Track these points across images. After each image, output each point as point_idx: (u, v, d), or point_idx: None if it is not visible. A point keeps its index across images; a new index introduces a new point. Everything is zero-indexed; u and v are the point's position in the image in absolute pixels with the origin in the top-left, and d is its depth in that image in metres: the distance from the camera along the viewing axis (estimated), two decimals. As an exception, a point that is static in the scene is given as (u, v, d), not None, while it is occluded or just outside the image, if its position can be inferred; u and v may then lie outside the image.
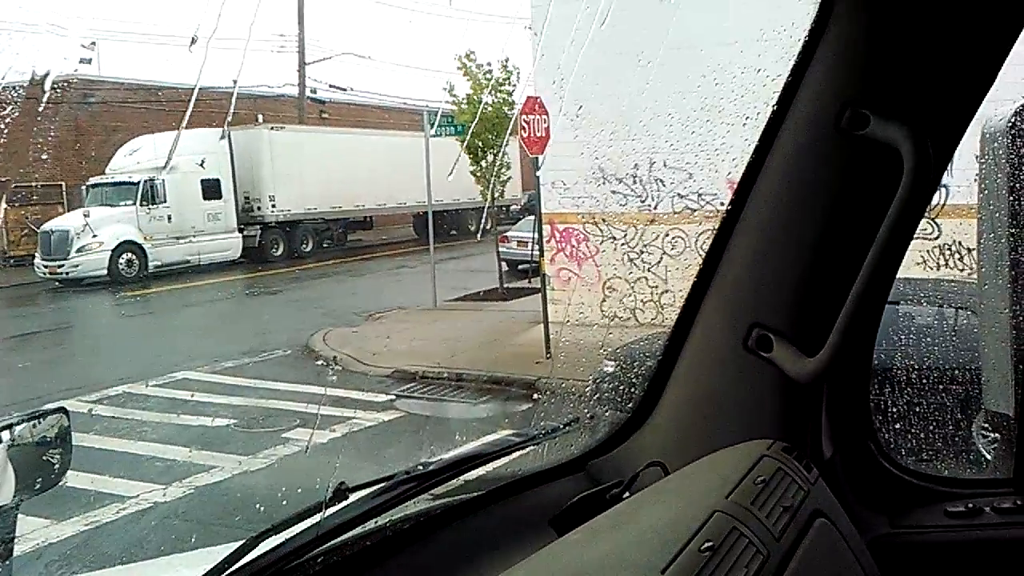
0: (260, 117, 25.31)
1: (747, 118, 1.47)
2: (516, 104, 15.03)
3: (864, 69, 1.25)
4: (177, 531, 6.28)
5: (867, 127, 1.23)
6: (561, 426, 1.47)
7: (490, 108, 15.97)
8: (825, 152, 1.30)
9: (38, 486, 2.07)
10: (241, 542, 0.98)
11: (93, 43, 24.29)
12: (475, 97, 15.75)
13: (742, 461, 1.26)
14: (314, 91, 30.83)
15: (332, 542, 1.05)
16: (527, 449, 1.43)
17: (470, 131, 15.51)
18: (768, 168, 1.34)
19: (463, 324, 14.14)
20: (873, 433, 1.57)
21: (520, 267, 17.87)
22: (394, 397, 10.11)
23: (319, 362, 11.90)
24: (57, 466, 2.12)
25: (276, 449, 7.91)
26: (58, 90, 21.77)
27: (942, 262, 10.06)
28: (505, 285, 16.74)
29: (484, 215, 18.65)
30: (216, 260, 21.27)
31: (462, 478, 1.26)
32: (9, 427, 2.05)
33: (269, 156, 23.84)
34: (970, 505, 1.50)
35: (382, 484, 1.14)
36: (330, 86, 30.96)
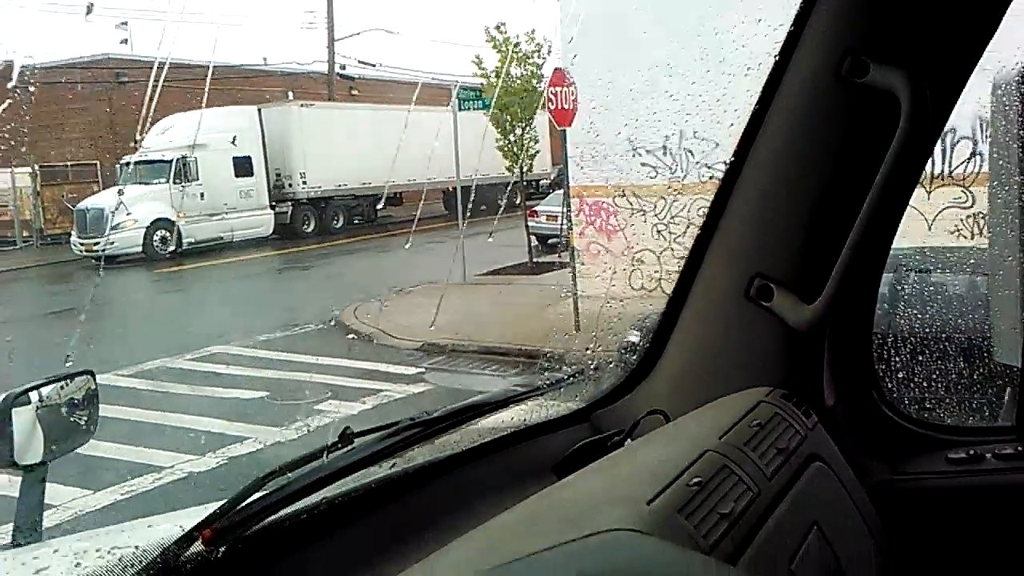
0: (290, 94, 25.43)
1: (748, 68, 1.47)
2: (544, 77, 14.95)
3: (865, 16, 1.25)
4: (212, 500, 6.41)
5: (867, 75, 1.23)
6: (565, 378, 1.49)
7: (518, 81, 15.91)
8: (826, 101, 1.30)
9: (66, 446, 2.13)
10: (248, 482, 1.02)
11: (124, 23, 24.49)
12: (503, 70, 15.70)
13: (740, 407, 1.27)
14: (343, 67, 30.87)
15: (336, 484, 1.08)
16: (531, 400, 1.45)
17: (498, 104, 15.48)
18: (770, 119, 1.34)
19: (492, 298, 14.18)
20: (876, 382, 1.58)
21: (550, 241, 17.85)
22: (424, 370, 10.18)
23: (349, 336, 12.01)
24: (84, 427, 2.18)
25: (309, 420, 8.01)
26: (92, 70, 22.03)
27: (976, 231, 9.89)
28: (535, 259, 16.74)
29: (513, 190, 18.59)
30: (248, 236, 21.47)
31: (467, 427, 1.29)
32: (38, 388, 2.10)
33: (299, 133, 23.95)
34: (972, 452, 1.51)
35: (387, 430, 1.16)
36: (359, 62, 30.99)
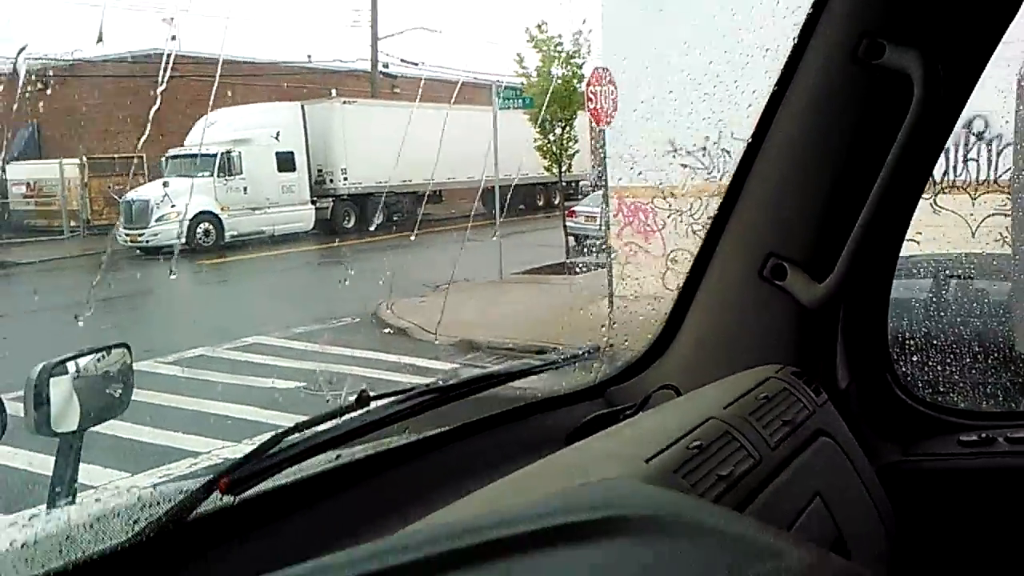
0: (334, 91, 25.65)
1: (767, 49, 1.48)
2: (586, 77, 14.94)
3: None
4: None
5: (883, 56, 1.24)
6: (581, 353, 1.51)
7: (559, 81, 15.92)
8: (842, 83, 1.31)
9: (100, 416, 2.19)
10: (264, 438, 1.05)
11: (171, 18, 24.91)
12: (544, 70, 15.71)
13: (750, 382, 1.29)
14: (386, 66, 31.08)
15: (350, 444, 1.12)
16: (546, 373, 1.47)
17: (538, 104, 15.49)
18: (788, 101, 1.36)
19: (528, 297, 14.20)
20: (890, 365, 1.58)
21: (588, 242, 17.83)
22: (459, 366, 10.23)
23: (385, 330, 12.11)
24: (118, 399, 2.24)
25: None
26: (140, 65, 22.42)
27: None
28: (572, 260, 16.74)
29: (552, 190, 18.59)
30: (289, 231, 21.71)
31: (481, 395, 1.31)
32: (75, 359, 2.16)
33: (341, 130, 24.16)
34: (984, 435, 1.50)
35: (403, 394, 1.19)
36: (402, 60, 31.17)
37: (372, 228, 24.23)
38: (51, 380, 2.09)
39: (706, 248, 1.46)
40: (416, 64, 31.32)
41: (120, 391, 2.26)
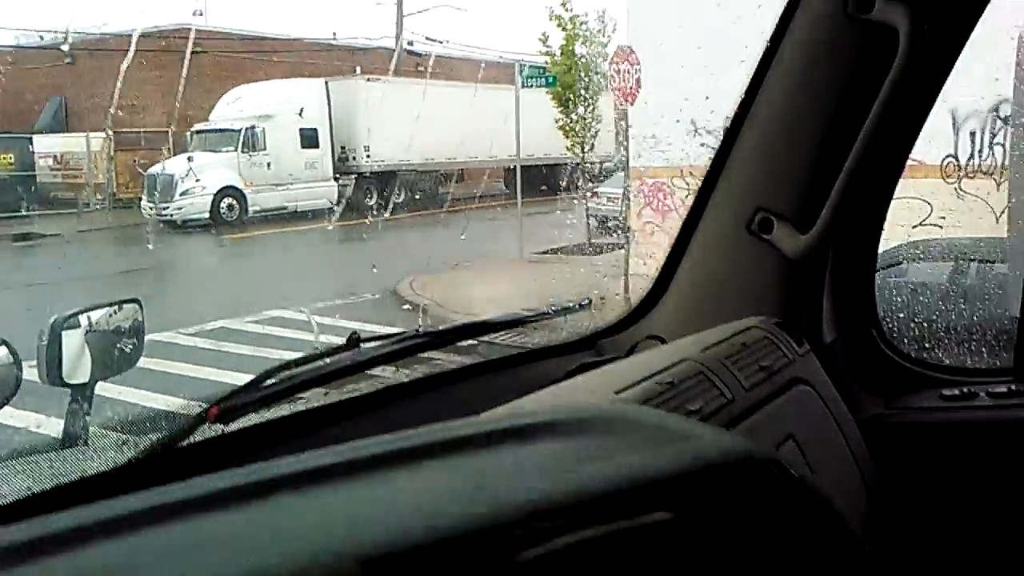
0: (358, 69, 25.65)
1: (759, 5, 1.49)
2: (610, 56, 14.84)
3: None
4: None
5: (872, 10, 1.25)
6: (572, 305, 1.54)
7: (583, 60, 15.84)
8: (832, 38, 1.32)
9: (111, 370, 2.24)
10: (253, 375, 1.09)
11: (199, -7, 24.99)
12: (568, 48, 15.63)
13: (730, 331, 1.31)
14: (411, 43, 31.01)
15: (339, 383, 1.15)
16: (538, 324, 1.49)
17: (561, 83, 15.43)
18: (780, 56, 1.37)
19: (548, 276, 14.19)
20: (877, 321, 1.59)
21: (609, 223, 17.78)
22: (476, 343, 10.27)
23: (405, 306, 12.17)
24: (129, 353, 2.29)
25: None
26: (166, 39, 22.54)
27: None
28: (593, 240, 16.70)
29: (575, 170, 18.53)
30: (311, 207, 21.79)
31: (472, 341, 1.34)
32: (87, 312, 2.21)
33: (365, 107, 24.17)
34: (966, 390, 1.52)
35: (393, 338, 1.22)
36: (426, 39, 31.09)
37: (394, 206, 24.31)
38: (63, 333, 2.14)
39: (698, 203, 1.48)
40: (441, 42, 31.27)
41: (131, 346, 2.31)
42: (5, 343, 2.07)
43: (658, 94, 11.45)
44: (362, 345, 1.18)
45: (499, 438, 0.73)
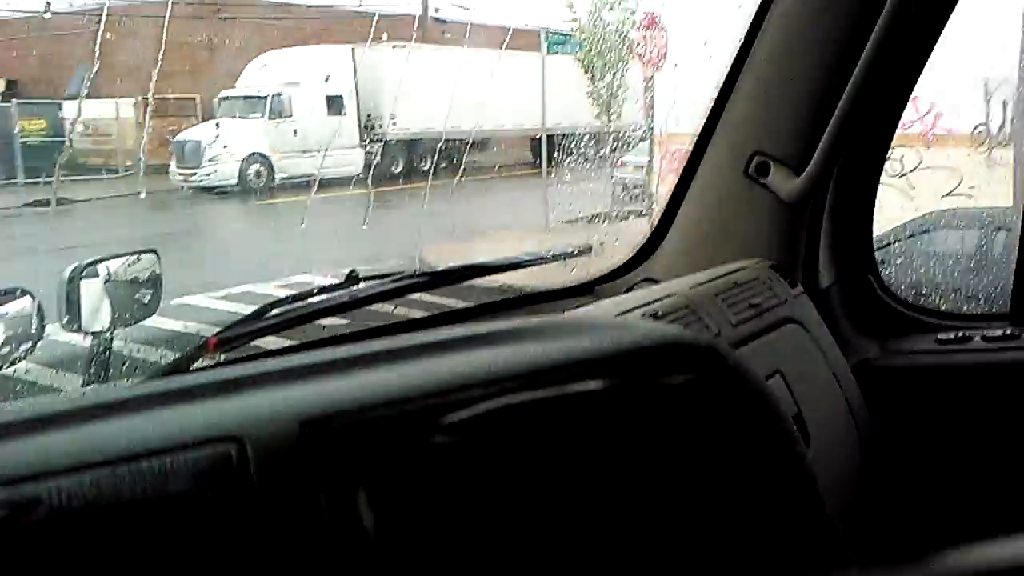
0: (384, 36, 25.54)
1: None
2: (637, 22, 14.68)
3: None
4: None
5: None
6: (572, 250, 1.55)
7: (611, 26, 15.68)
8: None
9: (130, 319, 2.29)
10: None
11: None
12: (595, 15, 15.48)
13: (723, 271, 1.32)
14: (437, 10, 30.80)
15: (336, 318, 1.18)
16: (537, 267, 1.51)
17: (588, 50, 15.28)
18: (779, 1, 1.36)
19: (572, 244, 14.18)
20: (874, 267, 1.60)
21: (635, 191, 17.66)
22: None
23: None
24: (147, 304, 2.34)
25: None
26: (194, 6, 22.56)
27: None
28: (618, 209, 16.62)
29: (601, 139, 18.40)
30: (338, 175, 21.80)
31: (472, 282, 1.36)
32: (105, 261, 2.26)
33: (391, 74, 24.11)
34: (961, 334, 1.52)
35: (392, 276, 1.25)
36: (453, 5, 30.86)
37: (419, 174, 24.28)
38: (81, 281, 2.19)
39: (697, 149, 1.49)
40: (467, 9, 30.99)
41: (148, 297, 2.35)
42: (29, 294, 2.12)
43: (685, 60, 11.33)
44: (361, 283, 1.20)
45: (464, 343, 0.75)
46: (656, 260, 1.56)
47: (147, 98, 22.37)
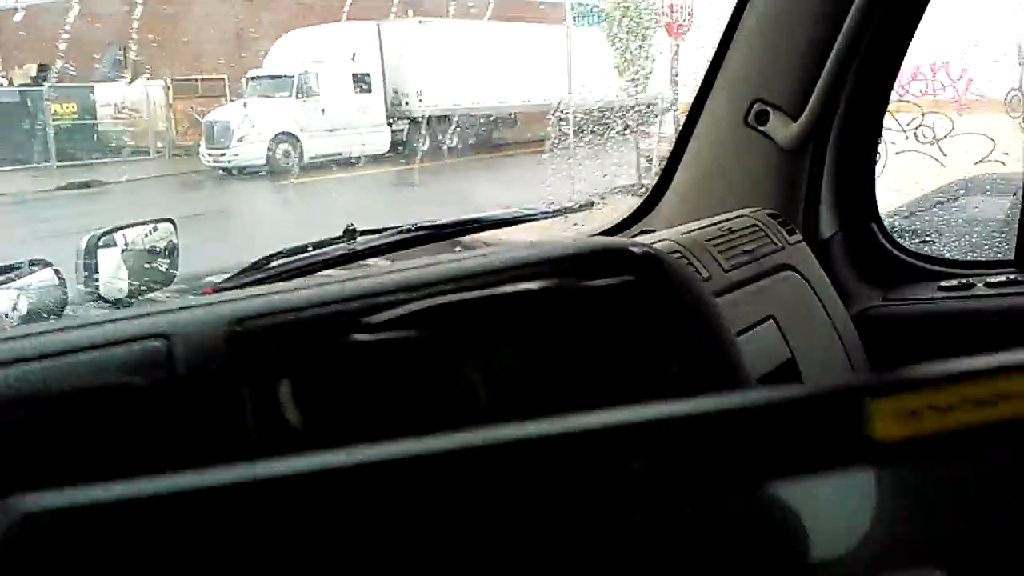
0: (410, 11, 25.46)
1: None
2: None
3: None
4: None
5: None
6: (573, 205, 1.55)
7: (636, -4, 15.50)
8: None
9: (147, 288, 2.32)
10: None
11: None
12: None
13: (718, 219, 1.31)
14: (462, -15, 30.61)
15: (336, 269, 1.19)
16: (539, 222, 1.51)
17: (615, 21, 15.13)
18: None
19: (599, 219, 14.15)
20: (877, 215, 1.58)
21: (661, 163, 17.55)
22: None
23: (456, 248, 12.25)
24: (165, 272, 2.37)
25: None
26: (220, -15, 22.61)
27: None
28: (643, 182, 16.54)
29: (627, 111, 18.24)
30: (365, 153, 21.86)
31: (471, 237, 1.37)
32: (123, 230, 2.29)
33: (417, 50, 24.04)
34: (963, 281, 1.50)
35: (391, 230, 1.26)
36: (478, -21, 30.62)
37: (447, 151, 24.26)
38: (99, 250, 2.22)
39: (698, 100, 1.48)
40: (492, -17, 30.73)
41: (166, 266, 2.38)
42: (51, 266, 2.16)
43: (709, 28, 11.18)
44: (359, 236, 1.21)
45: (466, 282, 0.76)
46: (658, 213, 1.56)
47: (176, 79, 22.54)
